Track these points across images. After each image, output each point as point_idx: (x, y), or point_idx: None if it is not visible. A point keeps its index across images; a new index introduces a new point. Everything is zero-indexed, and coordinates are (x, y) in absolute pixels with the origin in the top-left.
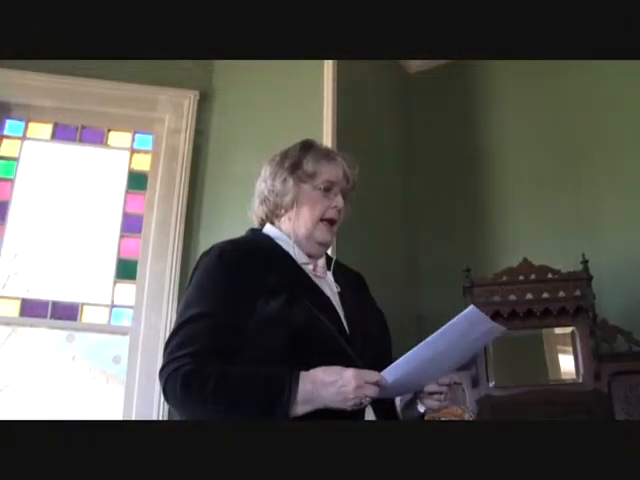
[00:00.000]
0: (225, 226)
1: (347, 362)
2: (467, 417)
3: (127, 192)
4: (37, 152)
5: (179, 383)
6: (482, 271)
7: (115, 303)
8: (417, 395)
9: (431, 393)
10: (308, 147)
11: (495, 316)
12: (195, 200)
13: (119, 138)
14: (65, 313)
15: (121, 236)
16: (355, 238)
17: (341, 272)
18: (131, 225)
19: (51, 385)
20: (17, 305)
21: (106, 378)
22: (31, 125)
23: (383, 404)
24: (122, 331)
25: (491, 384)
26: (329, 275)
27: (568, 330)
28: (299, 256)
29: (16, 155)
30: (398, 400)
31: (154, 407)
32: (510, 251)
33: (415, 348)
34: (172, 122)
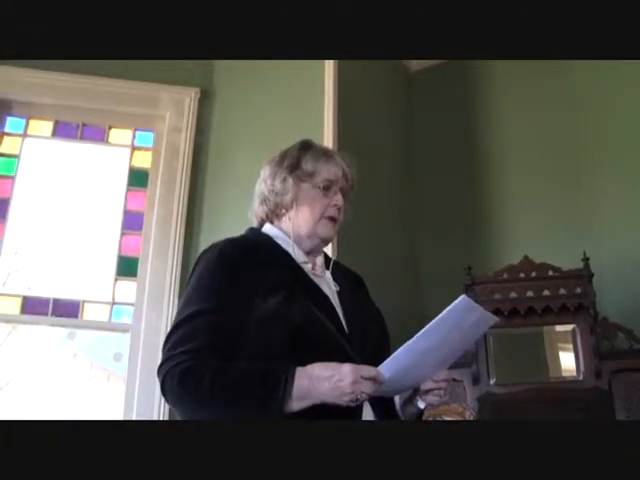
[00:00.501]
0: (226, 224)
1: (345, 360)
2: (468, 415)
3: (128, 190)
4: (38, 149)
5: (176, 380)
6: (483, 269)
7: (116, 300)
8: (416, 392)
9: (429, 390)
10: (307, 147)
11: (496, 314)
12: (196, 198)
13: (120, 135)
14: (66, 310)
15: (122, 233)
16: (355, 237)
17: (339, 272)
18: (132, 222)
19: (52, 382)
20: (18, 302)
21: (107, 375)
22: (32, 122)
23: (382, 402)
24: (123, 328)
25: (492, 381)
26: (328, 274)
27: (569, 328)
28: (298, 255)
29: (17, 152)
30: (397, 398)
31: (155, 404)
32: (511, 249)
33: (410, 340)
34: (173, 120)
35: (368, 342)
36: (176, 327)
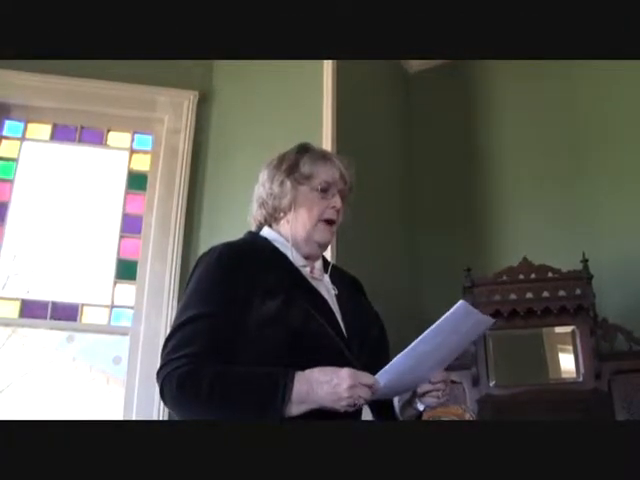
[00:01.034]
0: (225, 226)
1: (344, 364)
2: (468, 417)
3: (127, 192)
4: (36, 153)
5: (175, 384)
6: (482, 271)
7: (115, 304)
8: (414, 394)
9: (427, 392)
10: (304, 150)
11: (496, 315)
12: (195, 200)
13: (118, 138)
14: (65, 314)
15: (121, 236)
16: (355, 238)
17: (338, 275)
18: (131, 225)
19: (51, 386)
20: (17, 306)
21: (106, 379)
22: (30, 126)
23: (381, 405)
24: (122, 332)
25: (491, 383)
26: (326, 278)
27: (568, 329)
28: (296, 258)
29: (15, 156)
30: (396, 400)
31: (154, 407)
32: (510, 250)
33: (409, 347)
34: (172, 122)
35: (367, 345)
36: (175, 331)
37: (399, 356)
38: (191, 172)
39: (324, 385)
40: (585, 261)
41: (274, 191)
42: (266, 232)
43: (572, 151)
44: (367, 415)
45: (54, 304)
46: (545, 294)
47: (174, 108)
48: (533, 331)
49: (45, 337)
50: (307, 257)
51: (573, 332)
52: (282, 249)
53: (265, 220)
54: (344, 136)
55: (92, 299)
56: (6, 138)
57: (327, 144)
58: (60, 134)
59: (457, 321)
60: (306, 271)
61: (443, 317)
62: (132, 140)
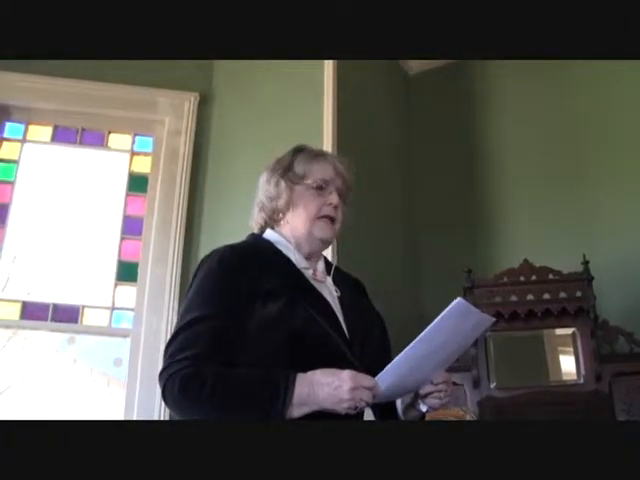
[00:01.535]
0: (226, 228)
1: (347, 366)
2: (468, 419)
3: (127, 194)
4: (37, 154)
5: (177, 386)
6: (483, 272)
7: (116, 305)
8: (417, 396)
9: (429, 393)
10: (299, 150)
11: (496, 317)
12: (195, 202)
13: (119, 140)
14: (66, 316)
15: (122, 238)
16: (355, 239)
17: (340, 277)
18: (132, 227)
19: (52, 388)
20: (18, 308)
21: (107, 380)
22: (31, 127)
23: (384, 407)
24: (123, 334)
25: (492, 385)
26: (329, 280)
27: (569, 331)
28: (299, 260)
29: (16, 158)
30: (399, 402)
31: (155, 409)
32: (511, 252)
33: (408, 347)
34: (172, 124)
35: (369, 347)
36: (177, 333)
37: (399, 357)
38: (192, 174)
39: (325, 387)
40: (586, 263)
41: (271, 193)
42: (269, 234)
43: (572, 152)
44: (370, 418)
45: (55, 306)
46: (546, 296)
47: (175, 110)
48: (534, 333)
49: (46, 339)
50: (309, 256)
51: (574, 334)
52: (285, 251)
53: (265, 223)
54: (345, 137)
55: (93, 301)
56: (7, 140)
57: (328, 145)
58: (61, 136)
59: (456, 319)
60: (309, 273)
61: (441, 315)
62: (133, 142)
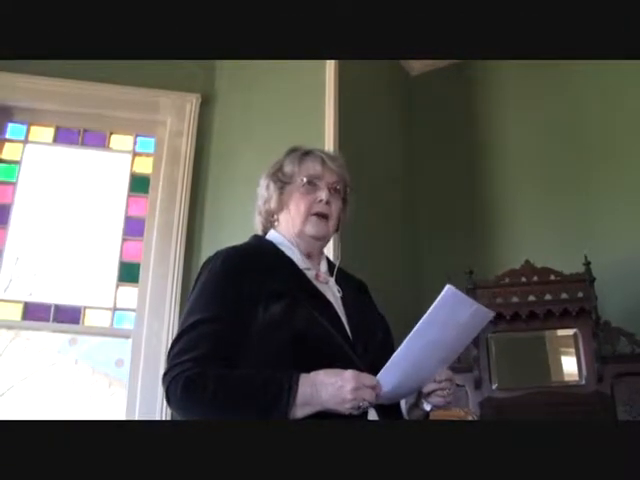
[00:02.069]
0: (228, 230)
1: (349, 366)
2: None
3: (129, 195)
4: (39, 155)
5: (180, 387)
6: (484, 273)
7: (117, 306)
8: (420, 394)
9: (432, 392)
10: (290, 151)
11: (498, 318)
12: (197, 203)
13: (121, 141)
14: (67, 316)
15: (123, 239)
16: (356, 239)
17: (343, 278)
18: (133, 228)
19: (54, 388)
20: (20, 309)
21: (108, 381)
22: (33, 128)
23: (388, 408)
24: (124, 334)
25: (494, 386)
26: (332, 281)
27: (571, 332)
28: (301, 261)
29: (18, 158)
30: (403, 402)
31: (157, 410)
32: (512, 253)
33: (405, 341)
34: (174, 125)
35: (372, 347)
36: (180, 335)
37: (397, 353)
38: (193, 174)
39: (328, 387)
40: (587, 264)
41: (264, 196)
42: (272, 235)
43: (574, 153)
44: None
45: (57, 307)
46: (547, 297)
47: (177, 111)
48: (535, 334)
49: (47, 340)
50: (308, 255)
51: (575, 335)
52: (287, 252)
53: (263, 227)
54: (346, 138)
55: (94, 302)
56: (9, 141)
57: (329, 146)
58: (63, 137)
59: (449, 309)
60: (311, 274)
61: (432, 305)
62: (135, 143)
